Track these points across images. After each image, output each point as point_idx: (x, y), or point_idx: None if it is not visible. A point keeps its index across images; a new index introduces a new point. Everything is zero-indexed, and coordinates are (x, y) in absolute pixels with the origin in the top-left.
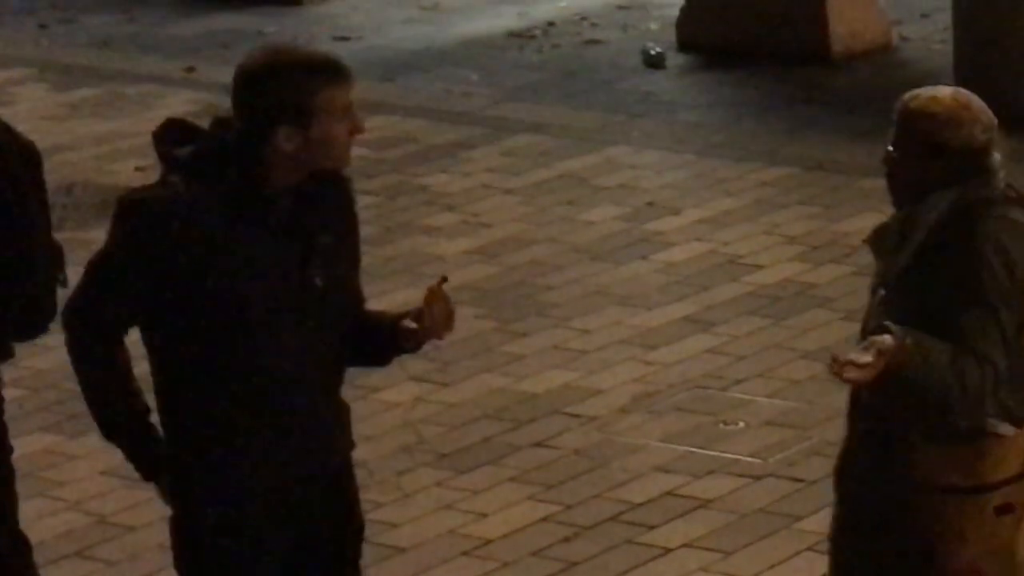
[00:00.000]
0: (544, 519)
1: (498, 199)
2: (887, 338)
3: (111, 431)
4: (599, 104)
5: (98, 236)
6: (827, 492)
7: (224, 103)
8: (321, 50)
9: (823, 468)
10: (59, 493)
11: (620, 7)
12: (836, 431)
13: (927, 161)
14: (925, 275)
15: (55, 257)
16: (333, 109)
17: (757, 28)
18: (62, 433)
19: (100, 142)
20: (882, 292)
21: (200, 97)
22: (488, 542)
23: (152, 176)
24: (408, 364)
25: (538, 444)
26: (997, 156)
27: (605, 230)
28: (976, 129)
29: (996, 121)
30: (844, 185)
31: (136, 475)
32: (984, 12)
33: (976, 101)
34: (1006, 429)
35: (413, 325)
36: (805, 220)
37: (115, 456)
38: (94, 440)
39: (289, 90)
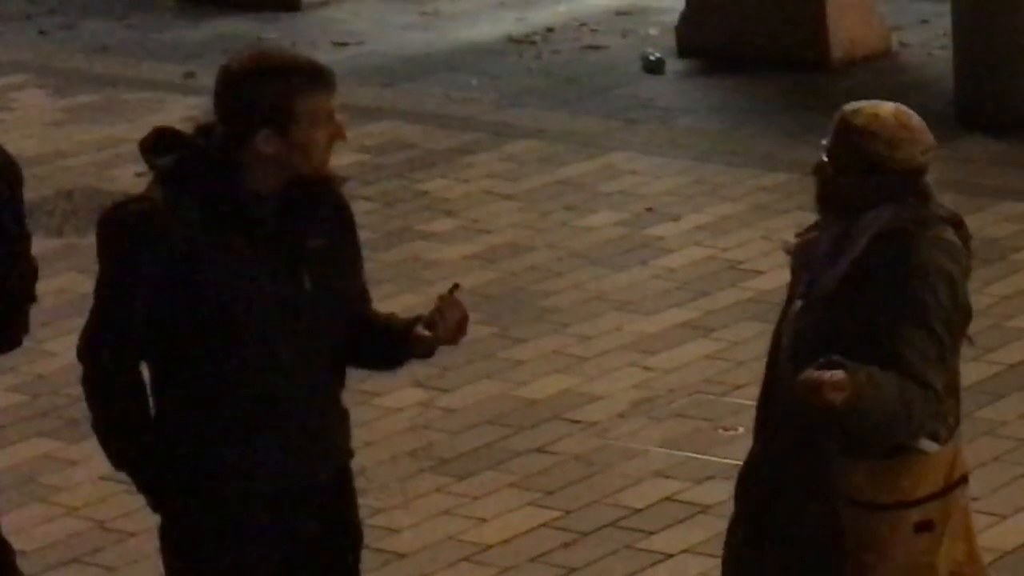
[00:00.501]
0: (544, 524)
1: (498, 205)
2: (839, 373)
3: (123, 461)
4: (598, 110)
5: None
6: None
7: None
8: (305, 55)
9: None
10: (58, 499)
11: (620, 12)
12: None
13: (865, 178)
14: (858, 293)
15: (30, 275)
16: (314, 114)
17: (757, 34)
18: (61, 439)
19: (99, 148)
20: (799, 303)
21: (199, 102)
22: (488, 547)
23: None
24: (408, 370)
25: (538, 450)
26: (930, 176)
27: (604, 236)
28: (917, 150)
29: (935, 142)
30: None
31: None
32: (983, 18)
33: (917, 121)
34: (929, 446)
35: (426, 332)
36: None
37: None
38: (93, 445)
39: (270, 93)
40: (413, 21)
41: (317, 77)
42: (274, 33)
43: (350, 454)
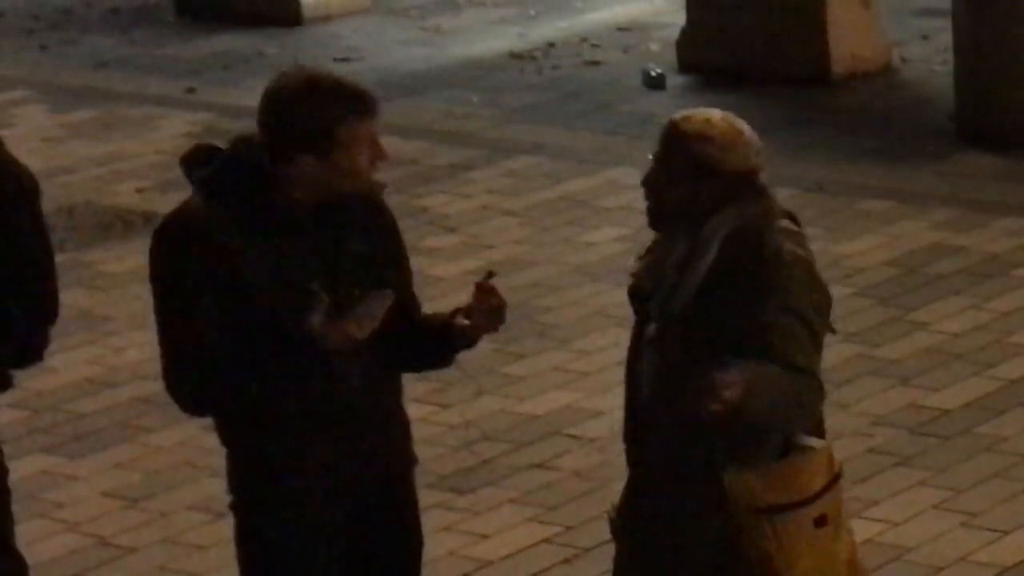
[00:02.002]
0: (545, 540)
1: (498, 220)
2: (732, 372)
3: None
4: (599, 125)
5: (98, 257)
6: None
7: (224, 124)
8: (350, 79)
9: None
10: (59, 515)
11: (620, 28)
12: (837, 453)
13: (700, 184)
14: (719, 298)
15: (54, 288)
16: (358, 139)
17: (758, 49)
18: (62, 455)
19: (100, 163)
20: (654, 326)
21: (200, 118)
22: (489, 564)
23: (153, 197)
24: (408, 386)
25: (538, 465)
26: (764, 176)
27: (606, 251)
28: (750, 151)
29: (762, 144)
30: (845, 206)
31: (136, 496)
32: (984, 34)
33: (746, 125)
34: (816, 443)
35: (465, 322)
36: None
37: (115, 477)
38: (94, 461)
39: (314, 119)
40: (414, 37)
41: (361, 103)
42: (275, 49)
43: (412, 460)
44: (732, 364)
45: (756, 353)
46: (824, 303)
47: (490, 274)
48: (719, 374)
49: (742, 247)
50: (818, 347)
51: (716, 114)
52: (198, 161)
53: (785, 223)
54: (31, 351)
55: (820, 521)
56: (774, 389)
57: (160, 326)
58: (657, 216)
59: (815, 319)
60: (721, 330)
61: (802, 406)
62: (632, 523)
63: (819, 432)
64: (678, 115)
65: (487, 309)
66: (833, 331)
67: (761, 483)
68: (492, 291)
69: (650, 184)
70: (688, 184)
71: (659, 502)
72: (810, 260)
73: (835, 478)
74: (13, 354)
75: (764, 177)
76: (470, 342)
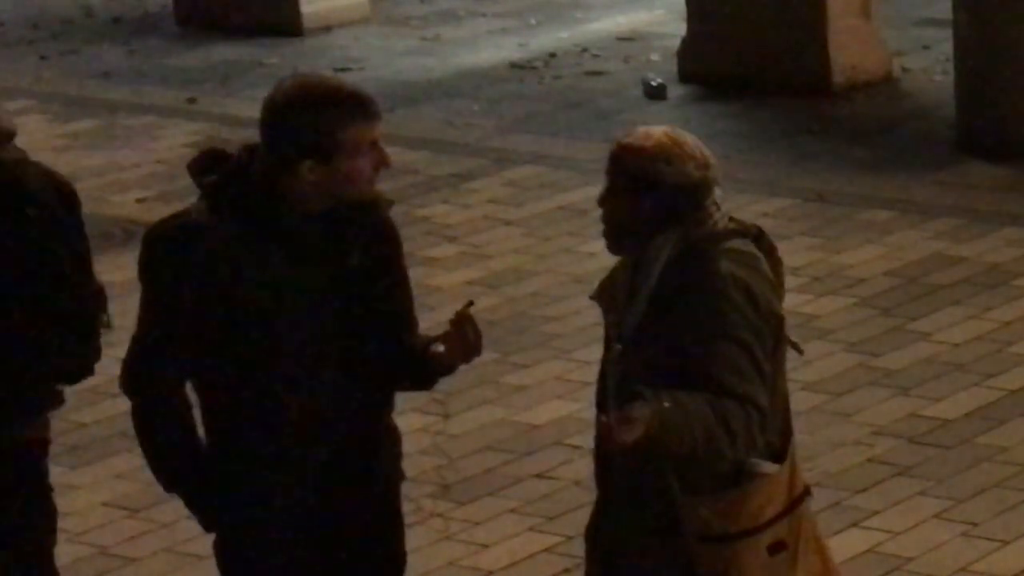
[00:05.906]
0: (545, 550)
1: (499, 230)
2: (642, 404)
3: (174, 486)
4: (600, 135)
5: (99, 267)
6: (830, 523)
7: (225, 134)
8: (350, 83)
9: (825, 499)
10: (60, 524)
11: (621, 38)
12: (838, 462)
13: (639, 197)
14: (664, 323)
15: (98, 298)
16: (358, 144)
17: (758, 59)
18: (63, 464)
19: (101, 173)
20: (618, 347)
21: (201, 128)
22: (489, 573)
23: (154, 207)
24: (410, 396)
25: (539, 475)
26: (719, 192)
27: (606, 262)
28: (689, 166)
29: (712, 160)
30: (845, 216)
31: (137, 506)
32: (985, 44)
33: (691, 140)
34: (769, 467)
35: (441, 349)
36: (806, 251)
37: (116, 487)
38: (95, 471)
39: (315, 124)
40: (414, 47)
41: (360, 107)
42: (276, 59)
43: (400, 476)
44: (648, 396)
45: (694, 379)
46: (769, 324)
47: (470, 304)
48: (617, 413)
49: (683, 271)
50: (760, 371)
51: (657, 128)
52: (205, 167)
53: (736, 243)
54: (83, 364)
55: (776, 547)
56: (696, 419)
57: (138, 327)
58: (609, 237)
59: (754, 343)
60: (665, 358)
61: (732, 432)
62: (597, 544)
63: (780, 456)
64: (622, 133)
65: (462, 339)
66: (799, 350)
67: (711, 511)
68: (469, 321)
69: (600, 203)
70: (628, 198)
71: (620, 523)
72: (751, 282)
73: (796, 502)
74: (65, 369)
75: (717, 195)
76: (445, 370)
